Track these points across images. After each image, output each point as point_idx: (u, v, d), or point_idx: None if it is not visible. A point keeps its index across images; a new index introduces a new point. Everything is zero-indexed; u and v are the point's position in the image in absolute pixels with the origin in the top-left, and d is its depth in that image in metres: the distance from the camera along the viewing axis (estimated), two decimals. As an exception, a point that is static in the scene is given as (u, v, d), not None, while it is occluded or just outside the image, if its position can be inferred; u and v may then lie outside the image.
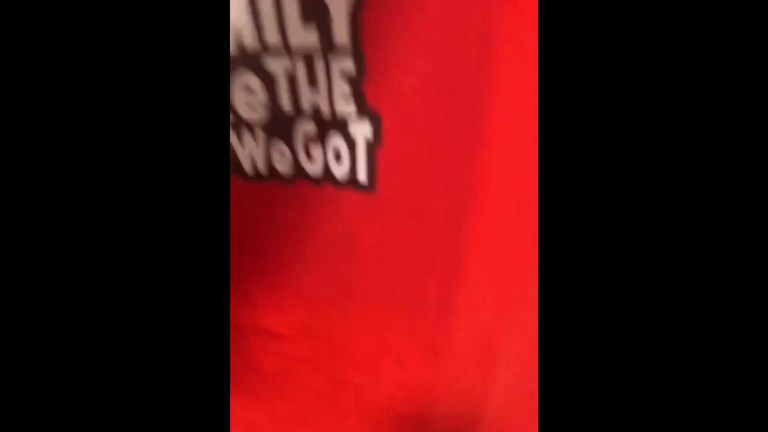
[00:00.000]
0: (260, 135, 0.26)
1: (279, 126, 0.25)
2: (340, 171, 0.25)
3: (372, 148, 0.24)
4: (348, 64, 0.23)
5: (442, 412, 0.31)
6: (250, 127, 0.25)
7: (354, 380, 0.30)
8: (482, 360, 0.30)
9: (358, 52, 0.22)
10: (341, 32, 0.22)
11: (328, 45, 0.23)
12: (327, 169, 0.26)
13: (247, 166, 0.27)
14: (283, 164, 0.26)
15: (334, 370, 0.31)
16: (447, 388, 0.30)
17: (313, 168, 0.26)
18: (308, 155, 0.26)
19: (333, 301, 0.29)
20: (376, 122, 0.24)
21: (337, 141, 0.25)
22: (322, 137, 0.25)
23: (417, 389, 0.30)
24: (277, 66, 0.24)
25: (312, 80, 0.24)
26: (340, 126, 0.24)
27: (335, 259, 0.28)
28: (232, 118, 0.25)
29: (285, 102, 0.24)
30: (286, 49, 0.23)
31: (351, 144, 0.24)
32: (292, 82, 0.24)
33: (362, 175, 0.25)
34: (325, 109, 0.24)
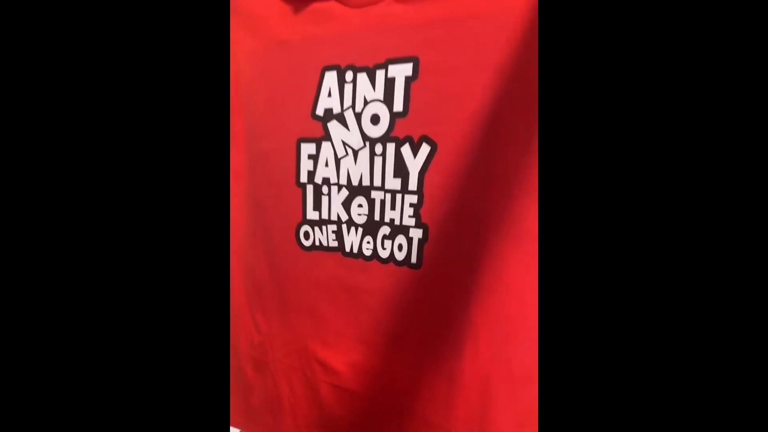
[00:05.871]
0: (359, 231, 0.46)
1: (371, 227, 0.46)
2: (400, 256, 0.45)
3: (422, 244, 0.44)
4: (414, 199, 0.43)
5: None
6: (356, 226, 0.46)
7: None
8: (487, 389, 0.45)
9: (420, 193, 0.43)
10: (413, 182, 0.43)
11: (404, 188, 0.43)
12: (392, 254, 0.45)
13: (347, 248, 0.47)
14: (367, 249, 0.46)
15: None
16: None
17: (384, 253, 0.45)
18: (383, 245, 0.45)
19: (384, 346, 0.46)
20: (425, 230, 0.43)
21: (401, 239, 0.44)
22: (392, 236, 0.45)
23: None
24: (376, 195, 0.45)
25: (393, 205, 0.44)
26: (404, 230, 0.44)
27: (390, 313, 0.46)
28: (345, 219, 0.46)
29: (377, 215, 0.45)
30: (383, 188, 0.44)
31: (410, 241, 0.44)
32: (383, 204, 0.45)
33: (414, 259, 0.44)
34: (396, 221, 0.44)
